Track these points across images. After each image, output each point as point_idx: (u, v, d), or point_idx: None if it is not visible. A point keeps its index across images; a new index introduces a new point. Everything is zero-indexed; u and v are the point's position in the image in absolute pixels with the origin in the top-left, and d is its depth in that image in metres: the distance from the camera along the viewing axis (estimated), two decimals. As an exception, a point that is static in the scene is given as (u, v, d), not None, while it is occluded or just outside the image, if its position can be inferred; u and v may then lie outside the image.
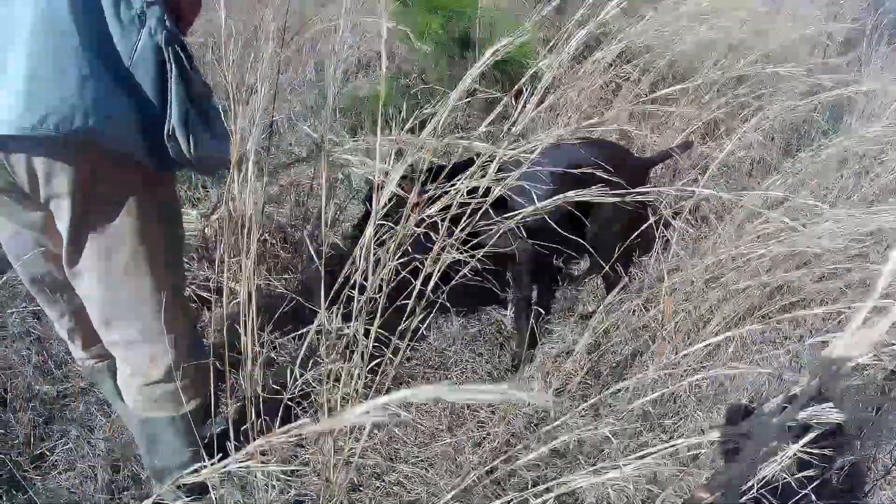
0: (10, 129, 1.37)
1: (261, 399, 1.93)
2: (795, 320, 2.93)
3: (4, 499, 2.28)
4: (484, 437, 2.44)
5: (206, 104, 1.59)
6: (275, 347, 2.64)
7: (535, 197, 1.94)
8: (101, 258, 1.68)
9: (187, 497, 1.95)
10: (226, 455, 0.96)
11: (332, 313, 1.99)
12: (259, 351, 1.91)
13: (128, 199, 1.63)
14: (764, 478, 1.82)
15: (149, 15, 1.43)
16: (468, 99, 3.64)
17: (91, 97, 1.39)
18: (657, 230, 2.73)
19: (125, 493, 2.30)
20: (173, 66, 1.45)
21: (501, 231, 1.87)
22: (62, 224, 1.61)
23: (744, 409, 2.67)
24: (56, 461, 2.42)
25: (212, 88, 1.66)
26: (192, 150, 1.51)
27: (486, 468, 2.12)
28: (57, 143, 1.44)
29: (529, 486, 2.31)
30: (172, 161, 1.56)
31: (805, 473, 1.81)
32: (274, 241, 2.84)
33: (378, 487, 2.26)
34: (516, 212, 1.80)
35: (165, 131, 1.49)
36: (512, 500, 1.66)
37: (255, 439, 1.99)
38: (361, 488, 2.22)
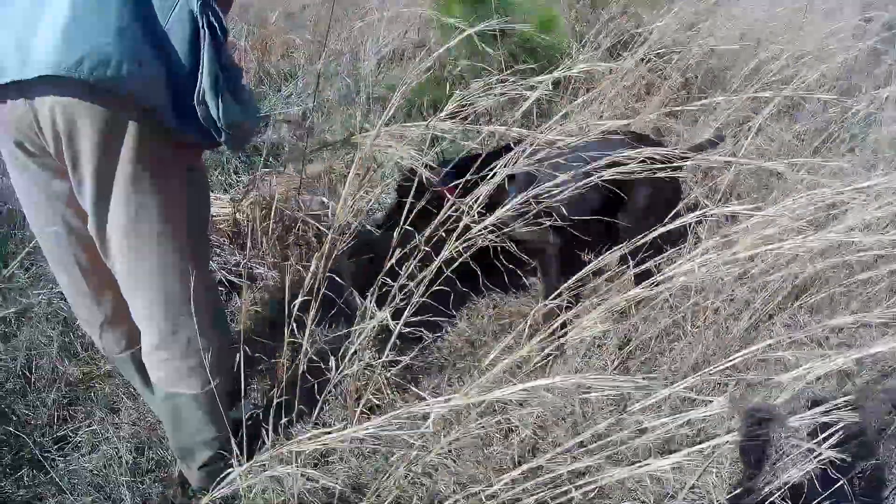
0: (45, 69, 1.38)
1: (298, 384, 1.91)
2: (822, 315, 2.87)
3: (26, 479, 2.26)
4: (512, 430, 2.40)
5: (236, 74, 1.59)
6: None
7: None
8: (127, 223, 1.67)
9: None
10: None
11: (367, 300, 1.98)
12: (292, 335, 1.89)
13: (152, 165, 1.62)
14: (786, 483, 1.80)
15: None
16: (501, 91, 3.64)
17: (126, 47, 1.41)
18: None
19: (149, 474, 2.28)
20: (207, 32, 1.47)
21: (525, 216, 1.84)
22: (86, 189, 1.61)
23: (766, 410, 2.62)
24: (79, 443, 2.40)
25: (241, 68, 1.67)
26: (220, 115, 1.52)
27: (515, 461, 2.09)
28: (87, 90, 1.44)
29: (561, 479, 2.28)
30: (199, 126, 1.55)
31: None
32: (306, 228, 2.83)
33: (406, 476, 2.22)
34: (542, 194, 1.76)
35: (196, 95, 1.50)
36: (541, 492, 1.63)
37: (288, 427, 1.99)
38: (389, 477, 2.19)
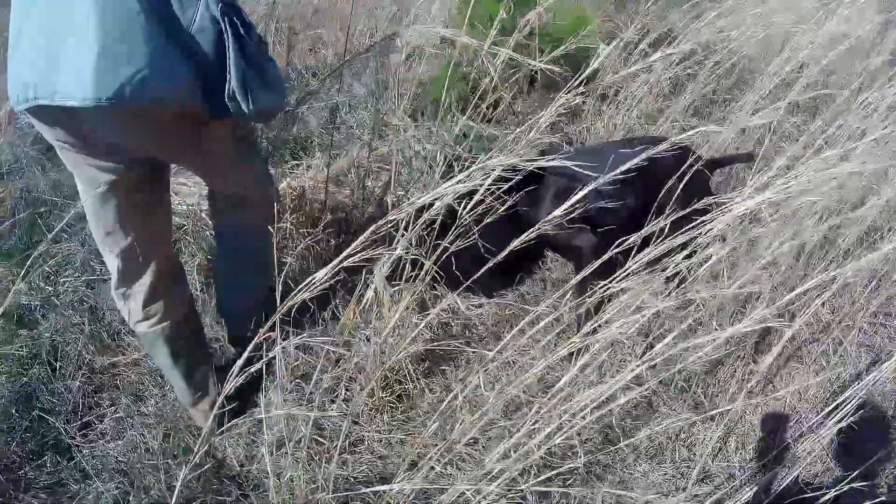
0: (87, 100, 1.50)
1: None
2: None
3: (49, 465, 2.26)
4: (537, 423, 2.39)
5: (262, 61, 1.68)
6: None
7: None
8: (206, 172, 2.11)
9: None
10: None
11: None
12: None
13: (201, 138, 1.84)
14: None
15: None
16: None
17: (160, 69, 1.52)
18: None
19: (175, 460, 2.27)
20: (230, 34, 1.56)
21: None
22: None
23: (784, 418, 2.61)
24: (104, 430, 2.39)
25: (266, 43, 1.75)
26: (250, 107, 1.63)
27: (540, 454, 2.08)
28: (130, 111, 1.59)
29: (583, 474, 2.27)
30: (231, 112, 1.67)
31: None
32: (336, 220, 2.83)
33: (431, 468, 2.21)
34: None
35: (226, 93, 1.60)
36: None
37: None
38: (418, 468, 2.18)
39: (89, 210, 1.94)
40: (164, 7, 1.53)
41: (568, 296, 2.34)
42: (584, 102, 3.32)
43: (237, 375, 1.54)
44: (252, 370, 1.45)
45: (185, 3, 1.54)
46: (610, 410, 1.79)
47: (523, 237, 1.74)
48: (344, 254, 1.48)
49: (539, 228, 1.71)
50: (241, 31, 1.59)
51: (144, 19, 1.49)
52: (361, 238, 1.50)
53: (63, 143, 1.75)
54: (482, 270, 1.91)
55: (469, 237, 1.91)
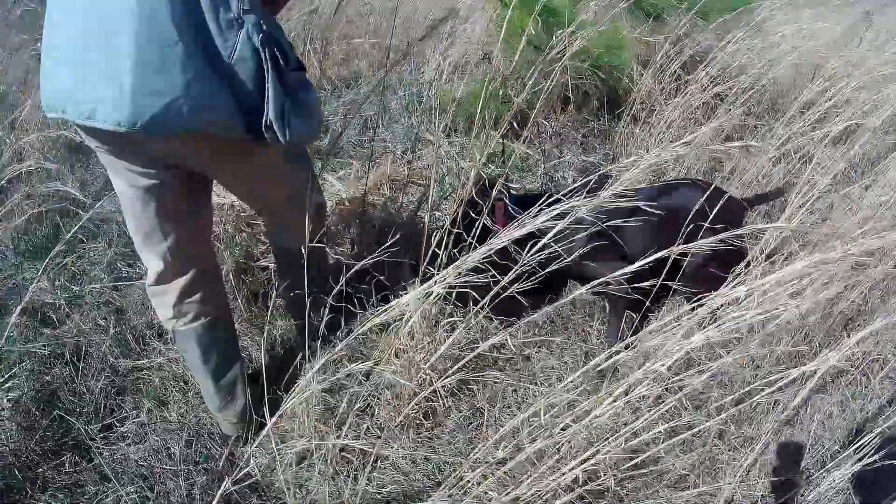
0: (121, 127, 1.52)
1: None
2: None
3: (67, 465, 2.24)
4: (563, 445, 2.36)
5: (300, 90, 1.70)
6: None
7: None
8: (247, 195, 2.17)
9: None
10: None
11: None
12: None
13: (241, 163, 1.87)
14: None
15: (246, 20, 1.54)
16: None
17: (195, 99, 1.53)
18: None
19: (197, 467, 2.25)
20: (269, 65, 1.57)
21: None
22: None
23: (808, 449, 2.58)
24: (126, 433, 2.37)
25: (304, 67, 1.75)
26: (287, 138, 1.65)
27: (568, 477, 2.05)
28: (164, 138, 1.64)
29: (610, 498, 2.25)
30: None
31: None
32: (371, 231, 2.83)
33: (456, 485, 2.19)
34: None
35: (263, 123, 1.61)
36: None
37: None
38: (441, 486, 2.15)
39: (127, 211, 1.94)
40: (204, 36, 1.53)
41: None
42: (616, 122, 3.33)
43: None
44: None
45: (225, 32, 1.54)
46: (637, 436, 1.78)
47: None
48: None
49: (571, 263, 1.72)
50: (280, 61, 1.60)
51: (182, 49, 1.50)
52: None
53: (102, 148, 1.76)
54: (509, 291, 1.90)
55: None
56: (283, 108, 1.62)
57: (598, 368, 1.86)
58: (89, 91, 1.53)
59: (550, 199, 2.06)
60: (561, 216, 1.76)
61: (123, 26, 1.47)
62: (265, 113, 1.61)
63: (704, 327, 1.78)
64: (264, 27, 1.57)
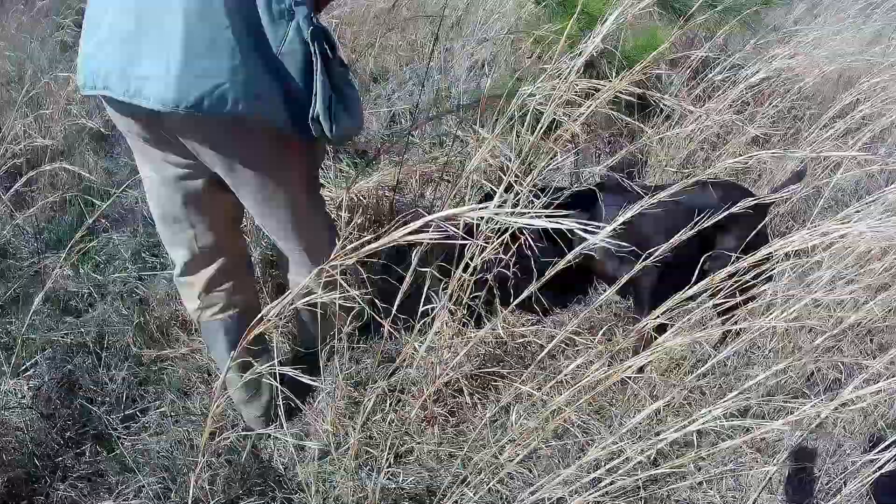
0: (166, 105, 1.52)
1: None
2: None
3: (88, 454, 2.23)
4: (588, 443, 2.34)
5: (344, 86, 1.70)
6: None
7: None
8: (261, 204, 1.94)
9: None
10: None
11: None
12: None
13: (271, 160, 1.82)
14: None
15: (297, 12, 1.55)
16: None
17: (241, 84, 1.53)
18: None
19: (219, 458, 2.23)
20: (318, 58, 1.58)
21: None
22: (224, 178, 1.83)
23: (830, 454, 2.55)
24: (148, 423, 2.36)
25: (348, 66, 1.75)
26: (333, 131, 1.65)
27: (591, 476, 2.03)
28: (209, 122, 1.62)
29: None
30: (312, 131, 1.68)
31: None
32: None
33: (480, 482, 2.17)
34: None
35: (310, 115, 1.62)
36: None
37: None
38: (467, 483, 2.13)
39: (154, 200, 1.94)
40: (254, 24, 1.53)
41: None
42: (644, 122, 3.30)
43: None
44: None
45: (276, 22, 1.54)
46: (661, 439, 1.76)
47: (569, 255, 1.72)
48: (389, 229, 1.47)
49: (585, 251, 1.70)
50: (330, 55, 1.60)
51: (231, 34, 1.50)
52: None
53: (134, 133, 1.76)
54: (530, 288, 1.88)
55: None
56: (331, 103, 1.62)
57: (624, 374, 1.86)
58: (136, 68, 1.53)
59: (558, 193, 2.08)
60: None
61: (175, 6, 1.48)
62: (313, 105, 1.61)
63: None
64: (314, 21, 1.57)
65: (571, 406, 1.83)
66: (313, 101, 1.61)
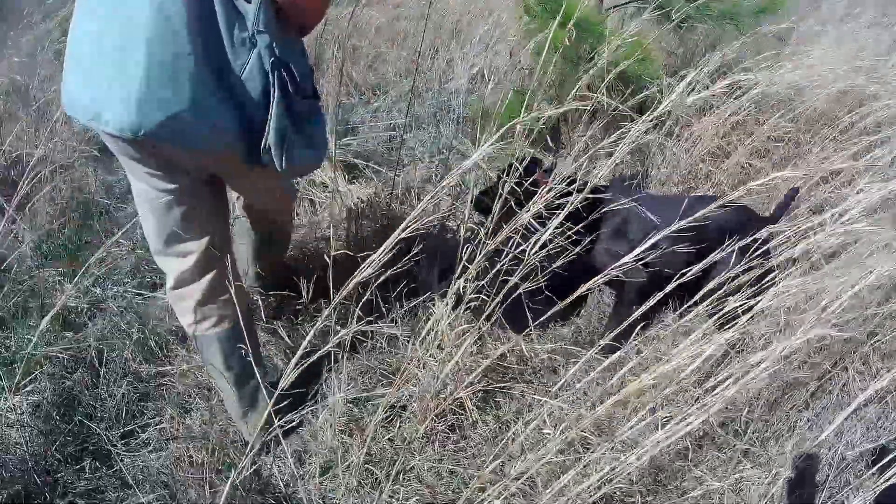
0: (123, 132, 1.54)
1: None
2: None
3: (87, 471, 2.21)
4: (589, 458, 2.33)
5: (309, 120, 1.71)
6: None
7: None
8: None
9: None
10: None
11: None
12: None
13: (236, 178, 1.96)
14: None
15: (259, 41, 1.54)
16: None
17: (201, 114, 1.55)
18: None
19: (219, 474, 2.22)
20: (276, 90, 1.58)
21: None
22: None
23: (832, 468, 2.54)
24: (147, 439, 2.35)
25: (319, 97, 1.77)
26: (283, 165, 1.66)
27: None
28: (171, 146, 1.65)
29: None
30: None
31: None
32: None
33: (480, 499, 2.15)
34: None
35: (262, 144, 1.62)
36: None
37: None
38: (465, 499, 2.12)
39: (146, 214, 1.95)
40: (217, 51, 1.53)
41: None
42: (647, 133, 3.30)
43: (294, 369, 1.62)
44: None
45: (238, 49, 1.55)
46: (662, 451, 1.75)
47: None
48: (398, 231, 1.53)
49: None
50: (290, 88, 1.60)
51: (194, 61, 1.51)
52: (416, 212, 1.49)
53: (121, 151, 1.76)
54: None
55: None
56: (285, 136, 1.63)
57: (622, 381, 1.86)
58: (96, 93, 1.54)
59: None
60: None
61: (139, 34, 1.48)
62: (265, 136, 1.62)
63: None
64: (277, 51, 1.57)
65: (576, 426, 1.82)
66: (266, 132, 1.61)
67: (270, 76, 1.56)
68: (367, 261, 1.57)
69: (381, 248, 1.55)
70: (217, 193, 2.02)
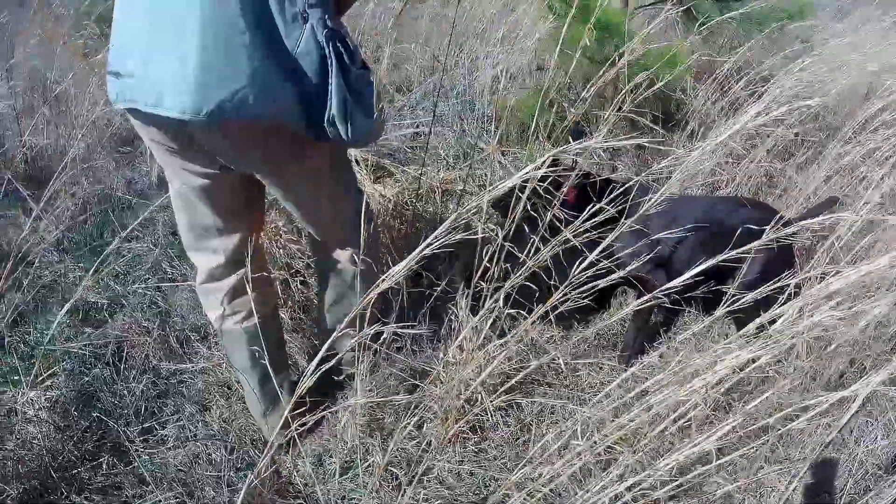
0: (185, 113, 1.52)
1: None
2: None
3: (105, 467, 2.20)
4: (612, 461, 2.30)
5: (363, 88, 1.68)
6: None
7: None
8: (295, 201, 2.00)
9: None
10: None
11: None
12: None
13: (295, 160, 1.83)
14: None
15: (311, 14, 1.54)
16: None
17: (260, 88, 1.52)
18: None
19: (238, 473, 2.20)
20: (334, 60, 1.57)
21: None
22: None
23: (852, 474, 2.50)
24: (166, 436, 2.33)
25: (369, 69, 1.73)
26: (348, 135, 1.64)
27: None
28: (230, 126, 1.61)
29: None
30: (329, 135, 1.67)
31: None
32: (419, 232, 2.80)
33: (502, 502, 2.13)
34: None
35: (325, 118, 1.61)
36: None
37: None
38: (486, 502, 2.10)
39: (181, 208, 1.94)
40: (270, 27, 1.52)
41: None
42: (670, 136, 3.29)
43: (311, 374, 1.56)
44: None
45: (290, 25, 1.54)
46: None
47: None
48: (424, 244, 1.50)
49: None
50: (345, 59, 1.59)
51: (249, 38, 1.49)
52: (442, 227, 1.47)
53: (158, 143, 1.75)
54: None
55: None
56: (346, 105, 1.61)
57: (642, 390, 1.83)
58: (154, 76, 1.53)
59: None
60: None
61: (192, 14, 1.47)
62: (328, 108, 1.60)
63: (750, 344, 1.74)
64: (329, 23, 1.56)
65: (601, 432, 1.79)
66: (328, 104, 1.60)
67: (326, 48, 1.56)
68: (389, 272, 1.55)
69: (403, 263, 1.52)
70: (252, 191, 2.01)
